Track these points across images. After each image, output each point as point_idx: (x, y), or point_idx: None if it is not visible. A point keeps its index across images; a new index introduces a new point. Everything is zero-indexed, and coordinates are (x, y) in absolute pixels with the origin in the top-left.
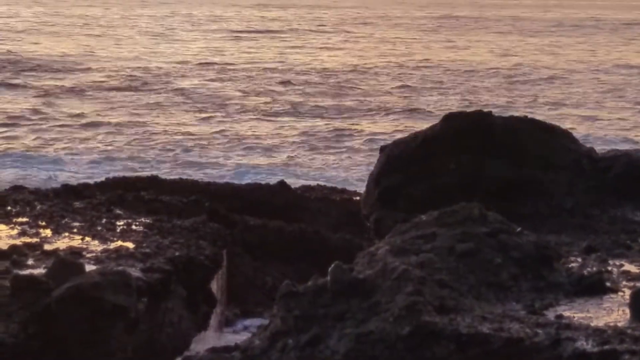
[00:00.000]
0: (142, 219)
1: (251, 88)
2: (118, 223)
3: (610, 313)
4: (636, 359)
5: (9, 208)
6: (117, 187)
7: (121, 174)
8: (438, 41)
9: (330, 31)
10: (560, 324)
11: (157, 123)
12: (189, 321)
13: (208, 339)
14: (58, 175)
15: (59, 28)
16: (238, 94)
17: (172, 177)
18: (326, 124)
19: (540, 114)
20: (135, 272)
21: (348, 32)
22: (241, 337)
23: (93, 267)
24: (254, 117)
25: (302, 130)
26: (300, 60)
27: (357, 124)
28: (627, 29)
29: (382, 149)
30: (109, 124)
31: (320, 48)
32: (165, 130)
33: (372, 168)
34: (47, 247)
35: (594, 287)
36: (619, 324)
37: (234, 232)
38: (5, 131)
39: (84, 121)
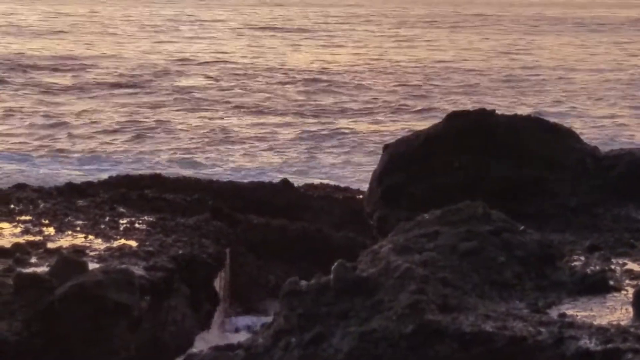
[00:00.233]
0: (145, 217)
1: (253, 86)
2: (121, 221)
3: (613, 312)
4: (639, 357)
5: (12, 206)
6: (121, 185)
7: (124, 172)
8: (440, 40)
9: (333, 29)
10: (563, 323)
11: (158, 121)
12: (192, 319)
13: (211, 337)
14: (59, 173)
15: (62, 26)
16: (240, 92)
17: (175, 176)
18: (328, 123)
19: (544, 113)
20: (138, 270)
21: (351, 30)
22: (244, 335)
23: (96, 266)
24: (256, 115)
25: (304, 129)
26: (302, 58)
27: (360, 123)
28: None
29: (385, 148)
30: (109, 122)
31: (323, 46)
32: (167, 129)
33: (375, 166)
34: (50, 245)
35: (597, 286)
36: (622, 323)
37: (237, 230)
38: (6, 129)
39: (85, 119)
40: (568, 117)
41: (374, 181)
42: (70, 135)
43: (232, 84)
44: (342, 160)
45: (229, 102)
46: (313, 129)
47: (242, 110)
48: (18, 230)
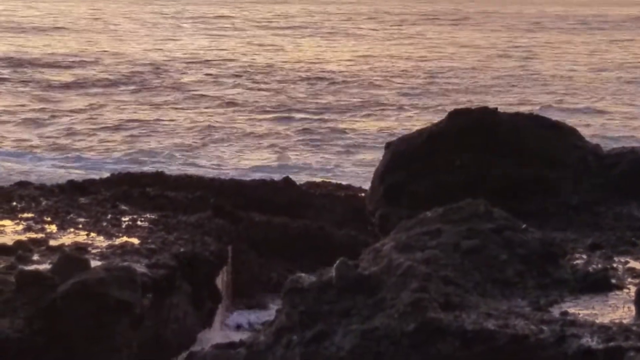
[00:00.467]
0: (148, 215)
1: (255, 84)
2: (123, 219)
3: (615, 310)
4: None
5: (14, 203)
6: (122, 183)
7: (126, 170)
8: (441, 37)
9: (334, 27)
10: (565, 321)
11: (159, 119)
12: (194, 317)
13: (213, 335)
14: (61, 170)
15: (63, 23)
16: (241, 90)
17: (177, 173)
18: (330, 120)
19: (547, 111)
20: (140, 267)
21: (353, 28)
22: (245, 331)
23: (98, 263)
24: (258, 113)
25: (306, 127)
26: (304, 56)
27: (362, 121)
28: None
29: (388, 146)
30: (111, 119)
31: (325, 44)
32: (168, 126)
33: (377, 164)
34: (52, 242)
35: (599, 284)
36: (624, 321)
37: (239, 228)
38: (6, 127)
39: (86, 116)
40: (569, 115)
41: (376, 179)
42: (71, 133)
43: (234, 81)
44: (344, 158)
45: (230, 100)
46: (315, 126)
47: (243, 107)
48: (20, 227)
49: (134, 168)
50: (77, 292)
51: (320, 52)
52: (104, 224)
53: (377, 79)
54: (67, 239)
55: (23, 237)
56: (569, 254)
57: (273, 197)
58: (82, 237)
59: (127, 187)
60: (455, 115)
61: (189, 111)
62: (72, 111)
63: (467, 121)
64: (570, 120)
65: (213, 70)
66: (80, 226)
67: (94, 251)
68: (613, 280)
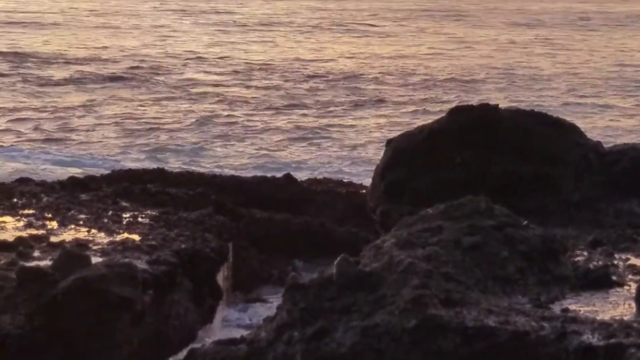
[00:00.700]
0: (148, 212)
1: (255, 81)
2: (124, 215)
3: (616, 307)
4: None
5: (15, 200)
6: (123, 179)
7: (126, 166)
8: (441, 33)
9: (335, 23)
10: (566, 318)
11: (159, 116)
12: (195, 314)
13: (214, 331)
14: (61, 167)
15: (64, 20)
16: (241, 86)
17: (177, 170)
18: (331, 117)
19: (549, 108)
20: (141, 264)
21: (354, 24)
22: (245, 322)
23: (99, 259)
24: (259, 110)
25: (307, 123)
26: (304, 53)
27: (362, 117)
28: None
29: (388, 143)
30: (111, 115)
31: (325, 41)
32: (169, 123)
33: (378, 161)
34: (53, 239)
35: (600, 281)
36: (625, 318)
37: (240, 224)
38: (7, 124)
39: (85, 113)
40: (571, 113)
41: (376, 176)
42: (71, 130)
43: (234, 78)
44: (344, 155)
45: (230, 97)
46: (316, 123)
47: (244, 104)
48: (21, 224)
49: (135, 165)
50: (77, 289)
51: (321, 49)
52: (105, 220)
53: (378, 75)
54: (68, 235)
55: (24, 234)
56: (570, 250)
57: (274, 193)
58: (83, 233)
59: (128, 183)
60: (456, 112)
61: (189, 108)
62: (72, 107)
63: (468, 118)
64: (573, 118)
65: (214, 67)
66: (81, 222)
67: (94, 247)
68: (614, 277)
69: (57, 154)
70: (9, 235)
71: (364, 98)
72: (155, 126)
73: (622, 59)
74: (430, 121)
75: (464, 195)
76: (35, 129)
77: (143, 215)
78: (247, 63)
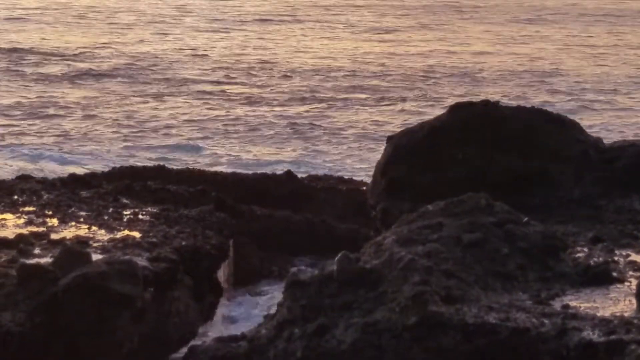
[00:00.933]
0: (149, 209)
1: (255, 78)
2: (125, 212)
3: (616, 303)
4: None
5: (15, 197)
6: (124, 176)
7: (127, 163)
8: (440, 29)
9: (335, 20)
10: (566, 314)
11: (159, 113)
12: (196, 311)
13: (215, 328)
14: (62, 164)
15: (65, 17)
16: (241, 84)
17: (178, 167)
18: (332, 114)
19: (550, 105)
20: (141, 261)
21: (351, 19)
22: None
23: (100, 257)
24: (259, 107)
25: (308, 120)
26: (304, 49)
27: (363, 114)
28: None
29: (389, 139)
30: (111, 112)
31: (325, 37)
32: (169, 120)
33: (379, 158)
34: (53, 236)
35: (601, 277)
36: (626, 314)
37: (241, 221)
38: (7, 121)
39: (86, 110)
40: (572, 110)
41: (377, 173)
42: (71, 127)
43: (233, 75)
44: (345, 152)
45: (231, 94)
46: (316, 120)
47: (244, 101)
48: (22, 221)
49: (135, 162)
50: (78, 286)
51: (321, 45)
52: (106, 217)
53: (378, 72)
54: (69, 232)
55: (24, 231)
56: (570, 247)
57: (275, 190)
58: (83, 230)
59: (128, 180)
60: (457, 109)
61: (189, 104)
62: (71, 104)
63: (469, 114)
64: (573, 115)
65: (213, 64)
66: (82, 220)
67: (95, 245)
68: (614, 274)
69: (56, 151)
70: (9, 233)
71: (365, 94)
72: (156, 123)
73: (625, 54)
74: (431, 118)
75: (464, 191)
76: (34, 125)
77: (143, 213)
78: (247, 59)
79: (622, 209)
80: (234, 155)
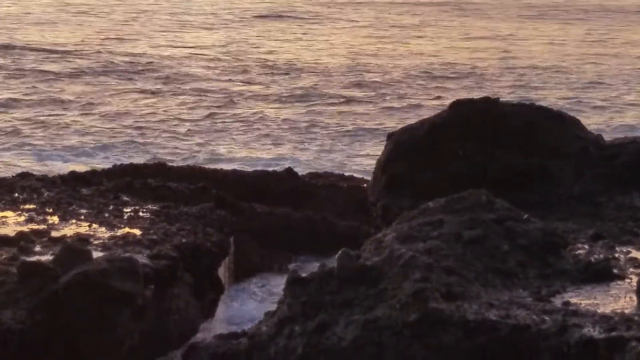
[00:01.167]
0: (149, 206)
1: (255, 76)
2: (125, 210)
3: (617, 300)
4: None
5: (16, 195)
6: (125, 174)
7: (128, 161)
8: (440, 26)
9: (335, 17)
10: (567, 311)
11: (158, 111)
12: (196, 308)
13: (215, 325)
14: (62, 162)
15: (65, 14)
16: (241, 82)
17: (179, 164)
18: (332, 111)
19: (551, 102)
20: (142, 258)
21: (353, 16)
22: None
23: (100, 254)
24: (260, 104)
25: (308, 118)
26: (304, 47)
27: (363, 111)
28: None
29: (390, 136)
30: (111, 110)
31: (325, 34)
32: (169, 118)
33: (379, 155)
34: (54, 233)
35: (601, 274)
36: (626, 311)
37: (241, 219)
38: (8, 118)
39: (86, 107)
40: (572, 107)
41: (378, 170)
42: (72, 124)
43: (233, 73)
44: (346, 149)
45: (231, 91)
46: (317, 117)
47: (244, 98)
48: (22, 219)
49: (136, 159)
50: (79, 283)
51: (321, 43)
52: (106, 215)
53: (379, 69)
54: (69, 230)
55: (25, 228)
56: (571, 244)
57: (275, 187)
58: (84, 228)
59: (129, 178)
60: (457, 106)
61: (189, 102)
62: (71, 101)
63: (469, 111)
64: (577, 112)
65: (213, 62)
66: (82, 217)
67: (95, 242)
68: (615, 271)
69: (57, 148)
70: (10, 230)
71: (365, 91)
72: (156, 121)
73: (627, 52)
74: (432, 115)
75: (465, 188)
76: (34, 123)
77: (144, 210)
78: (247, 57)
79: (623, 206)
80: (234, 153)
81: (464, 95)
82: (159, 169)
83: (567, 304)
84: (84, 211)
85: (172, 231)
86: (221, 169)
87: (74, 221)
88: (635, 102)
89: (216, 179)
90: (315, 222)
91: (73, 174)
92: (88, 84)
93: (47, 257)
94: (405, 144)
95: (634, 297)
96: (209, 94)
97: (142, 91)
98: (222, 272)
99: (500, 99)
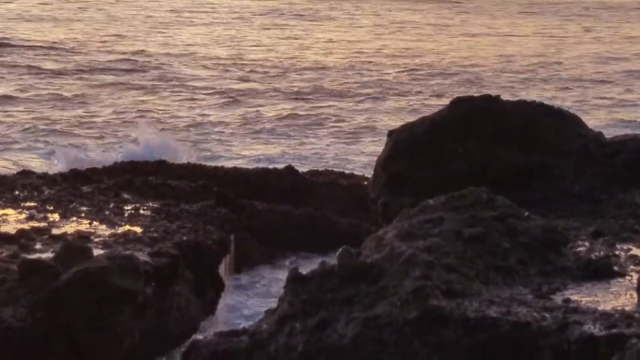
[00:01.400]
0: (150, 204)
1: (254, 74)
2: (126, 207)
3: (617, 297)
4: None
5: (16, 192)
6: (125, 171)
7: (128, 159)
8: (438, 24)
9: (334, 15)
10: (567, 308)
11: (158, 109)
12: (197, 306)
13: (216, 323)
14: (59, 162)
15: (66, 13)
16: (241, 80)
17: (180, 162)
18: (332, 109)
19: (551, 99)
20: (142, 256)
21: (352, 14)
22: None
23: (101, 252)
24: (260, 103)
25: (309, 115)
26: (304, 45)
27: (364, 109)
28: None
29: (390, 134)
30: (112, 109)
31: (325, 32)
32: (168, 117)
33: (379, 152)
34: (55, 231)
35: (602, 271)
36: (627, 308)
37: (242, 216)
38: (8, 116)
39: (85, 106)
40: (573, 104)
41: (378, 167)
42: (70, 121)
43: (233, 72)
44: (346, 147)
45: (231, 90)
46: (317, 115)
47: (244, 96)
48: (23, 216)
49: (136, 157)
50: (79, 281)
51: (321, 41)
52: (107, 212)
53: (379, 67)
54: (70, 227)
55: (25, 226)
56: (572, 241)
57: (276, 185)
58: (84, 225)
59: (129, 175)
60: (458, 103)
61: (190, 100)
62: (71, 99)
63: (470, 109)
64: (576, 109)
65: (213, 61)
66: (83, 215)
67: (96, 240)
68: (615, 268)
69: (56, 146)
70: (10, 228)
71: (365, 89)
72: (156, 118)
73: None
74: (432, 112)
75: (465, 186)
76: (34, 121)
77: (145, 208)
78: (247, 56)
79: (623, 204)
80: (234, 150)
81: (464, 92)
82: (159, 166)
83: (567, 301)
84: (84, 209)
85: (173, 229)
86: (222, 167)
87: (74, 219)
88: (636, 99)
89: (217, 177)
90: (316, 219)
91: (73, 171)
92: (86, 81)
93: (47, 255)
94: (405, 142)
95: (635, 295)
96: (208, 92)
97: (144, 89)
98: (222, 269)
99: (501, 96)
